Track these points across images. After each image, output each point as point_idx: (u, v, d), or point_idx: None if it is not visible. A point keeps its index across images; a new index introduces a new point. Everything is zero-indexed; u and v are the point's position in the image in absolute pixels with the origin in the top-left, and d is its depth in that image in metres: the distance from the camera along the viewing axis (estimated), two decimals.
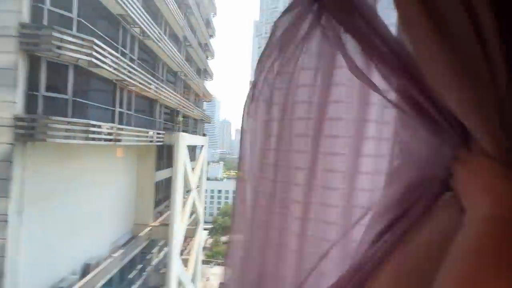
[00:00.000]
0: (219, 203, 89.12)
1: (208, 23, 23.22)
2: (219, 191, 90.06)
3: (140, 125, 11.67)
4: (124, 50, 10.01)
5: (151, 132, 11.68)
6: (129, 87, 10.24)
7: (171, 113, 16.39)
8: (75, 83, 7.38)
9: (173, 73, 16.28)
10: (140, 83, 10.24)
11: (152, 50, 12.73)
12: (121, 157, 11.62)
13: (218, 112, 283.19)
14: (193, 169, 17.95)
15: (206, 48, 23.50)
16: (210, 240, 62.56)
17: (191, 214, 19.35)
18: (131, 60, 10.51)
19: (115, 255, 10.47)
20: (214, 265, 44.04)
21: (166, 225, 13.70)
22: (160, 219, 14.67)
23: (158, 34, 11.87)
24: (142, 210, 13.27)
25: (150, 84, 11.09)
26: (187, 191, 18.22)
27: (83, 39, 6.91)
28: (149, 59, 12.94)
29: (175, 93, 14.85)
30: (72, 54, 6.77)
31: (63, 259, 8.32)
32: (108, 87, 9.20)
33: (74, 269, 8.69)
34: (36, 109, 6.47)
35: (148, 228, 13.19)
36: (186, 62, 16.82)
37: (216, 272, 41.50)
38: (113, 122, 9.11)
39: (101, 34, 8.59)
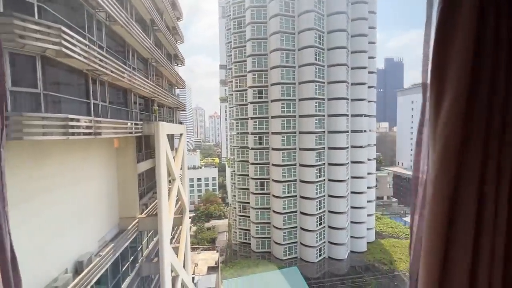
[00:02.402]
0: (199, 191, 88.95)
1: (174, 5, 21.96)
2: (199, 179, 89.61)
3: (116, 117, 11.19)
4: (91, 37, 9.32)
5: (129, 123, 11.25)
6: (102, 77, 9.68)
7: (146, 102, 15.76)
8: (45, 76, 6.86)
9: (143, 60, 15.47)
10: (112, 72, 9.69)
11: (120, 36, 11.95)
12: (100, 151, 11.16)
13: (190, 99, 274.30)
14: (173, 158, 17.71)
15: (174, 32, 22.38)
16: (194, 228, 63.03)
17: (176, 203, 19.32)
18: (100, 47, 9.84)
19: (106, 250, 10.34)
20: (201, 251, 44.73)
21: (153, 216, 13.65)
22: (147, 210, 14.52)
23: (126, 18, 11.13)
24: (126, 203, 13.01)
25: (123, 72, 10.54)
26: (170, 180, 18.06)
27: (49, 27, 6.36)
28: (118, 46, 12.15)
29: (148, 81, 14.24)
30: (39, 44, 6.23)
31: (53, 260, 8.10)
32: (80, 78, 8.61)
33: (66, 268, 8.51)
34: (6, 106, 5.97)
35: (135, 221, 13.04)
36: (156, 48, 16.01)
37: (203, 258, 42.27)
38: (89, 115, 8.67)
39: (65, 20, 7.92)
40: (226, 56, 53.19)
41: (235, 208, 45.85)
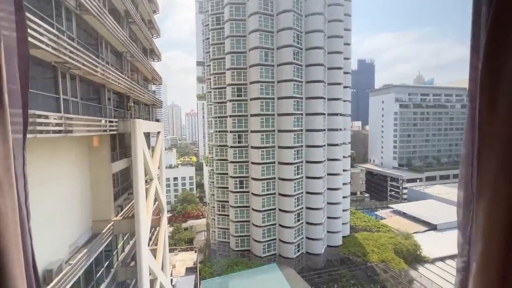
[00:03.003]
0: (175, 190, 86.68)
1: None
2: (175, 179, 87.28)
3: (89, 114, 10.46)
4: (60, 27, 8.58)
5: (103, 121, 10.57)
6: (72, 70, 8.96)
7: (121, 99, 14.93)
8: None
9: (118, 54, 14.61)
10: (84, 65, 9.02)
11: (92, 27, 11.15)
12: (71, 150, 10.36)
13: (166, 96, 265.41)
14: (151, 157, 17.02)
15: (150, 25, 21.43)
16: (171, 229, 61.35)
17: (153, 203, 18.62)
18: (70, 38, 9.11)
19: (78, 256, 9.65)
20: (179, 252, 43.73)
21: (130, 218, 13.01)
22: (122, 212, 13.80)
23: (98, 8, 10.41)
24: (100, 205, 12.25)
25: (96, 66, 9.85)
26: (147, 180, 17.36)
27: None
28: (90, 38, 11.33)
29: (123, 76, 13.48)
30: None
31: None
32: (47, 71, 7.89)
33: None
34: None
35: (110, 224, 12.34)
36: (131, 41, 15.20)
37: (181, 259, 41.34)
38: (59, 111, 7.99)
39: (30, 7, 7.19)
40: (204, 53, 52.07)
41: (213, 207, 45.30)
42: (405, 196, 76.83)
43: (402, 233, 43.50)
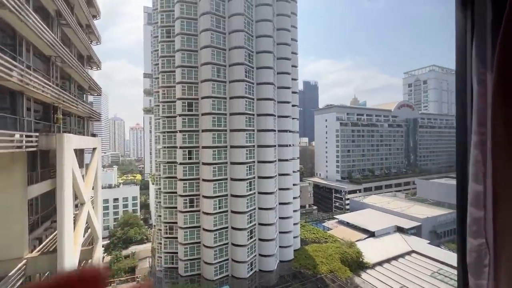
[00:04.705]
0: (115, 213, 77.61)
1: (89, 0, 19.17)
2: (115, 200, 78.37)
3: None
4: None
5: (17, 135, 8.69)
6: None
7: (46, 110, 12.73)
8: None
9: (44, 57, 12.60)
10: None
11: (9, 24, 9.38)
12: None
13: (107, 108, 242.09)
14: (83, 177, 14.76)
15: (89, 31, 19.41)
16: (108, 258, 53.81)
17: (85, 232, 15.99)
18: None
19: None
20: (117, 284, 38.50)
21: (50, 253, 10.74)
22: (41, 247, 11.33)
23: (17, 2, 8.84)
24: (8, 240, 9.82)
25: (11, 70, 8.18)
26: (77, 205, 14.92)
27: None
28: (5, 37, 9.48)
29: (49, 84, 11.58)
30: None
31: None
32: None
33: None
34: None
35: (22, 263, 9.93)
36: (62, 45, 13.34)
37: None
38: None
39: None
40: (152, 65, 49.63)
41: (160, 229, 41.54)
42: (348, 207, 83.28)
43: (347, 242, 46.46)
